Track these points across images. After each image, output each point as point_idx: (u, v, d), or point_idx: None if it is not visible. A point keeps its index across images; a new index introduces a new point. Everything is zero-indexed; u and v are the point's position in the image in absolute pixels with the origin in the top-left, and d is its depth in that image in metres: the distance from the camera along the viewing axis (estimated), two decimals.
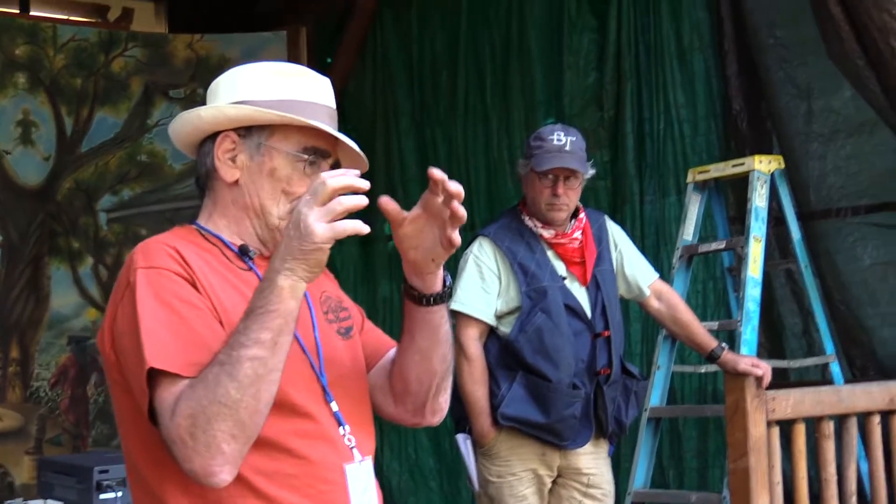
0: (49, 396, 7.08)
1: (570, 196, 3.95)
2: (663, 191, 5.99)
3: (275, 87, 1.98)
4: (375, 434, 2.08)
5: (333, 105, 2.03)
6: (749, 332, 4.66)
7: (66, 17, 7.81)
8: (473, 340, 3.92)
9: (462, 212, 1.79)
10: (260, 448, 1.81)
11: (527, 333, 3.87)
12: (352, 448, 1.95)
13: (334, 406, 1.95)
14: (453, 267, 3.22)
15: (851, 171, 5.32)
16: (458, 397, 3.87)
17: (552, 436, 3.91)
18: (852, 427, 3.95)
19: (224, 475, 1.72)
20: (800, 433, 3.82)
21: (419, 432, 6.83)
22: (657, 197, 6.02)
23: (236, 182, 1.99)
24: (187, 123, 2.02)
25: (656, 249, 5.89)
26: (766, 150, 5.50)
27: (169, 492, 1.83)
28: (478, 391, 3.90)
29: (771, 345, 5.52)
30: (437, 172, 1.77)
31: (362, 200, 1.70)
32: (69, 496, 4.36)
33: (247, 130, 1.98)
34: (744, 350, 4.57)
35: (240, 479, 1.79)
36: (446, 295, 1.97)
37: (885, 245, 5.22)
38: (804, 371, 5.30)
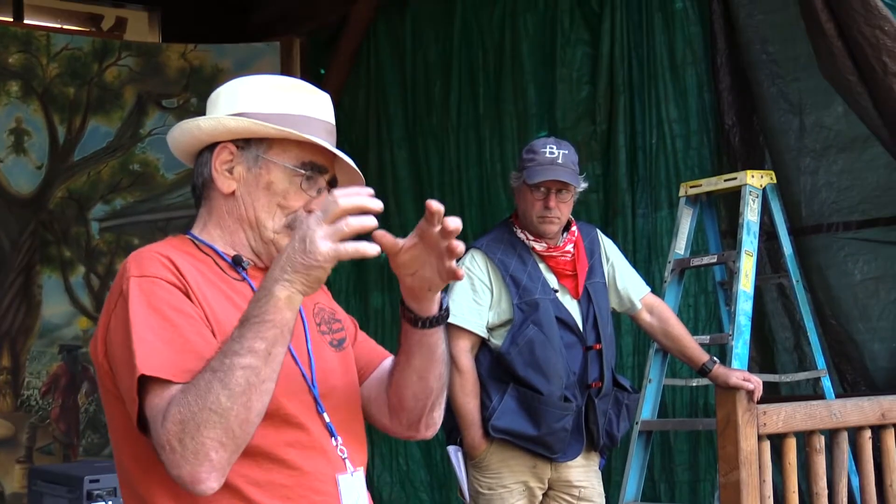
0: (40, 405, 7.06)
1: (562, 209, 3.95)
2: (655, 204, 6.00)
3: (275, 100, 1.98)
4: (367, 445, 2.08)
5: (332, 121, 2.03)
6: (740, 346, 4.67)
7: (59, 26, 7.81)
8: (465, 352, 3.92)
9: (460, 247, 1.78)
10: (253, 458, 1.81)
11: (518, 346, 3.87)
12: (344, 459, 1.95)
13: (326, 417, 1.95)
14: None
15: (843, 187, 5.34)
16: (450, 409, 3.87)
17: (543, 448, 3.91)
18: (843, 441, 3.95)
19: (211, 482, 1.71)
20: (791, 447, 3.82)
21: (410, 444, 6.83)
22: (649, 210, 6.03)
23: (233, 193, 1.99)
24: (186, 133, 2.02)
25: (648, 263, 5.90)
26: (758, 165, 5.53)
27: (160, 501, 1.83)
28: (469, 403, 3.90)
29: (762, 359, 5.54)
30: (434, 204, 1.75)
31: (371, 222, 1.69)
32: None
33: (245, 142, 1.98)
34: (735, 364, 4.57)
35: (232, 489, 1.79)
36: (443, 318, 1.96)
37: (876, 260, 5.24)
38: (795, 385, 5.31)
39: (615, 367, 4.10)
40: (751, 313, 4.75)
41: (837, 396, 4.91)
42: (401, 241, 1.82)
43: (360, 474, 1.99)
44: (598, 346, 3.97)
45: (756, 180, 4.90)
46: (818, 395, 4.98)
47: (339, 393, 2.01)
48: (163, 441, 1.70)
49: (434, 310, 1.94)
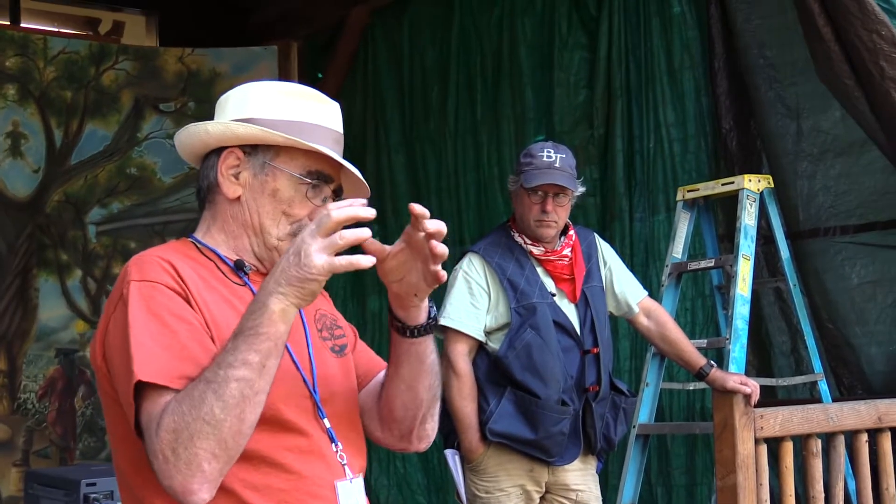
0: (36, 409, 7.06)
1: (559, 213, 3.96)
2: (653, 208, 6.00)
3: (284, 107, 1.98)
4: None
5: (341, 130, 2.03)
6: (738, 349, 4.66)
7: (56, 30, 7.81)
8: (462, 356, 3.92)
9: (442, 250, 1.78)
10: (251, 462, 1.81)
11: (516, 350, 3.87)
12: (343, 465, 1.95)
13: (327, 423, 1.95)
14: (442, 287, 3.24)
15: (840, 191, 5.34)
16: (447, 413, 3.87)
17: (540, 452, 3.91)
18: (840, 445, 3.96)
19: (203, 494, 1.71)
20: (788, 451, 3.82)
21: None
22: (646, 214, 6.03)
23: (238, 198, 1.99)
24: (194, 136, 2.02)
25: (645, 267, 5.90)
26: (755, 169, 5.53)
27: None
28: (466, 407, 3.90)
29: (759, 363, 5.53)
30: (417, 208, 1.76)
31: (364, 233, 1.69)
32: None
33: (252, 148, 1.98)
34: (732, 368, 4.57)
35: (229, 493, 1.79)
36: (431, 327, 1.96)
37: (873, 264, 5.24)
38: (792, 389, 5.31)
39: (612, 371, 4.10)
40: (748, 317, 4.74)
41: (834, 400, 4.91)
42: (388, 248, 1.82)
43: (359, 481, 1.98)
44: (595, 350, 3.97)
45: (753, 184, 4.90)
46: (815, 398, 4.97)
47: (339, 399, 2.01)
48: (156, 449, 1.70)
49: (421, 318, 1.94)
